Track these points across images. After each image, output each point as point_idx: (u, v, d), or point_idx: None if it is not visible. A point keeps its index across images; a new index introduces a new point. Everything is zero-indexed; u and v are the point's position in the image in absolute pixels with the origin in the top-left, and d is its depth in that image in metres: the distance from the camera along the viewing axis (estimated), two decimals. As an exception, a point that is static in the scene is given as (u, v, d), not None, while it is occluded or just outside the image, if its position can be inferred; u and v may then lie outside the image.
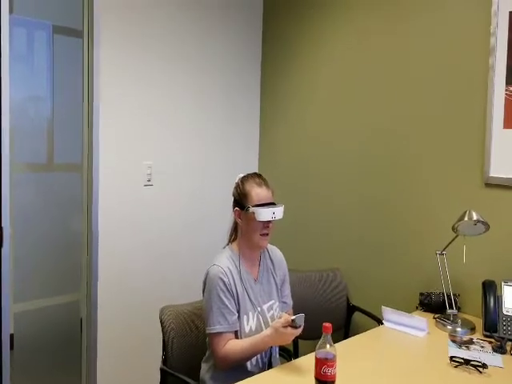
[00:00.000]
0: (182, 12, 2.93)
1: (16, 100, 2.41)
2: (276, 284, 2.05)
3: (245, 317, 1.90)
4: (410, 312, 2.29)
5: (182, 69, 2.97)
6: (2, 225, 2.29)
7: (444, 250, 2.33)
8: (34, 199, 2.56)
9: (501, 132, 2.28)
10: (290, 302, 2.12)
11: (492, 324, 2.08)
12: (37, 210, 2.57)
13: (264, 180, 1.96)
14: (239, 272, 1.92)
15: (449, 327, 2.17)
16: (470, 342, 2.04)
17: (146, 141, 2.83)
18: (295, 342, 2.56)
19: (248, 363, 1.89)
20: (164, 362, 2.04)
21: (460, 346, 2.00)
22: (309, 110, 3.11)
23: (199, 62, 3.05)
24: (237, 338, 1.87)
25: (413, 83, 2.59)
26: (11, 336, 2.38)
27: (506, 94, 2.25)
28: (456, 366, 1.80)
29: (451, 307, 2.24)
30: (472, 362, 1.78)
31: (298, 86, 3.17)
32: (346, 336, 2.66)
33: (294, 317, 1.72)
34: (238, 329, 1.88)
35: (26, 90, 2.51)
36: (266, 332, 1.80)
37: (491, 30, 2.27)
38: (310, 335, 2.09)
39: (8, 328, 2.34)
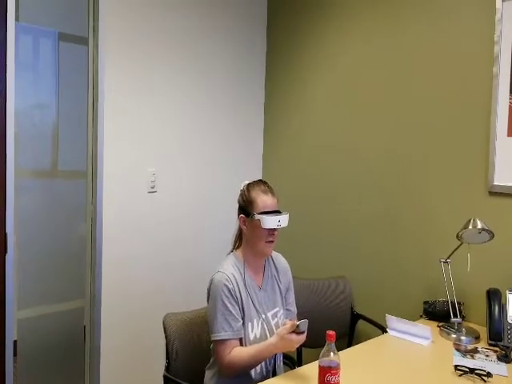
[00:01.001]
0: (187, 18, 2.95)
1: (21, 106, 2.42)
2: (280, 291, 2.04)
3: (249, 324, 1.89)
4: (414, 320, 2.28)
5: (186, 76, 2.98)
6: (7, 231, 2.29)
7: (448, 258, 2.32)
8: (38, 206, 2.57)
9: (505, 140, 2.28)
10: (294, 309, 2.11)
11: (497, 333, 2.07)
12: (41, 217, 2.58)
13: (269, 187, 1.96)
14: (243, 279, 1.92)
15: (453, 336, 2.16)
16: (475, 350, 2.03)
17: (151, 147, 2.84)
18: (299, 350, 2.55)
19: (252, 371, 1.88)
20: (167, 369, 2.03)
21: (464, 354, 1.99)
22: (312, 117, 3.12)
23: (203, 68, 3.06)
24: (241, 345, 1.87)
25: (416, 92, 2.59)
26: (15, 342, 2.38)
27: (510, 102, 2.25)
28: (460, 375, 1.79)
29: (455, 316, 2.23)
30: (476, 371, 1.77)
31: (302, 93, 3.17)
32: (350, 344, 2.65)
33: (297, 322, 1.72)
34: (243, 336, 1.87)
35: (31, 96, 2.52)
36: (271, 340, 1.80)
37: (495, 39, 2.28)
38: (314, 343, 2.08)
39: (11, 334, 2.33)
